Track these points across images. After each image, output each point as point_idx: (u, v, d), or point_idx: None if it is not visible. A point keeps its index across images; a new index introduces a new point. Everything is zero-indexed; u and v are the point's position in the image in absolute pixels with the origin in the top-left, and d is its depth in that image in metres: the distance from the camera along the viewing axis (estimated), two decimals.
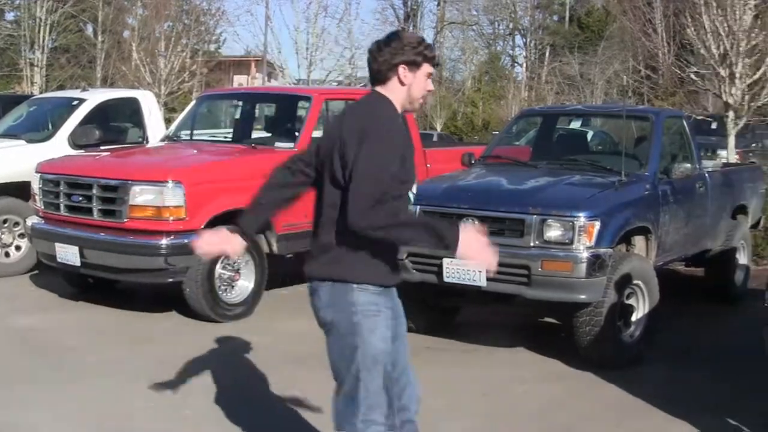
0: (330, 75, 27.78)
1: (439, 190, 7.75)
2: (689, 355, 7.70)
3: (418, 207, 7.19)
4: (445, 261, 7.13)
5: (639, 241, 7.73)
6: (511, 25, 63.20)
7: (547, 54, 57.05)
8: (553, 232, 6.91)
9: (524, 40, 62.29)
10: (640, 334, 7.39)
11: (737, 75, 15.71)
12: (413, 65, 3.73)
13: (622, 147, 8.47)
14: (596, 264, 6.82)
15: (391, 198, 3.50)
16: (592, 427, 5.88)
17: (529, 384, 6.77)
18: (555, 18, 69.88)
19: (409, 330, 7.82)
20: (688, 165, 8.38)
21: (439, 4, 55.64)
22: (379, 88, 3.77)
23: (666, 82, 34.20)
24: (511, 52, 64.10)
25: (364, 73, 14.07)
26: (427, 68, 3.78)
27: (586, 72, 41.12)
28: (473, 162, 8.86)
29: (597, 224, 6.89)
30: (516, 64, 62.34)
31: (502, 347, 7.76)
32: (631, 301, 7.34)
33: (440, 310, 8.24)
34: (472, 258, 3.68)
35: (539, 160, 8.82)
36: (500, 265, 6.85)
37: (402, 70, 3.72)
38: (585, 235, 6.83)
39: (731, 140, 16.59)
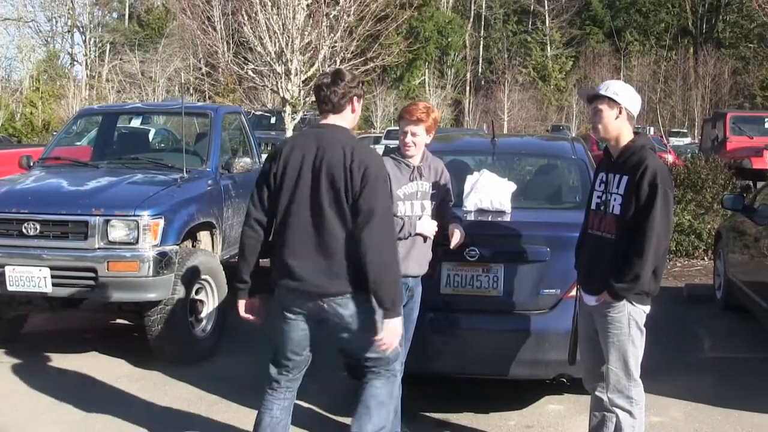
0: None
1: None
2: (261, 344, 7.95)
3: None
4: (7, 269, 6.76)
5: (204, 236, 7.86)
6: (69, 22, 60.94)
7: (108, 52, 55.80)
8: (118, 232, 6.81)
9: (83, 37, 60.41)
10: (212, 328, 7.52)
11: (293, 71, 16.52)
12: (360, 97, 4.52)
13: (183, 144, 8.54)
14: (163, 262, 6.84)
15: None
16: (165, 426, 5.89)
17: (103, 387, 6.61)
18: (115, 15, 68.52)
19: None
20: (248, 159, 8.62)
21: None
22: (333, 117, 4.43)
23: (226, 79, 35.08)
24: (70, 50, 61.84)
25: None
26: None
27: (148, 70, 40.87)
28: (32, 164, 8.46)
29: (161, 222, 6.90)
30: (76, 63, 60.23)
31: (73, 353, 7.49)
32: (201, 297, 7.45)
33: (6, 321, 7.76)
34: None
35: (100, 160, 8.64)
36: (66, 268, 6.72)
37: (355, 100, 4.48)
38: (150, 234, 6.81)
39: (289, 134, 17.43)
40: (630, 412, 4.58)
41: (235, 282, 4.68)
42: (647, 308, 4.56)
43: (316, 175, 4.28)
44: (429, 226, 5.13)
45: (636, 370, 4.58)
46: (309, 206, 4.30)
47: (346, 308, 4.36)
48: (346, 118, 4.47)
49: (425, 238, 5.14)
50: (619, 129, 4.57)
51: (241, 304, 4.73)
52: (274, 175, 4.38)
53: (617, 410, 4.60)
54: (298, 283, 4.39)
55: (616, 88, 4.60)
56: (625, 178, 4.47)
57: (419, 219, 5.11)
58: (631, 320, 4.50)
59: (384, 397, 4.59)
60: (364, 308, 4.35)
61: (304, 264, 4.36)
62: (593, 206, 4.73)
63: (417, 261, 5.12)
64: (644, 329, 4.58)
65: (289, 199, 4.34)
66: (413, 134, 5.09)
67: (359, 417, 4.55)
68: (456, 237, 5.18)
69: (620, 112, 4.54)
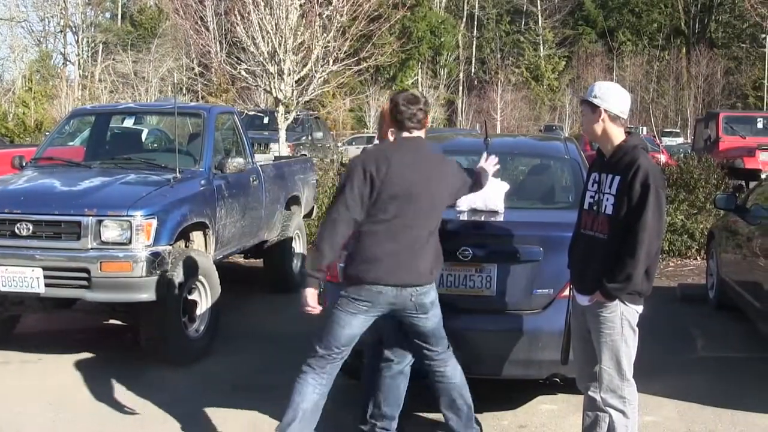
0: None
1: None
2: (254, 344, 7.97)
3: None
4: (0, 269, 6.75)
5: (197, 236, 7.85)
6: (62, 22, 60.85)
7: (100, 52, 55.73)
8: (111, 232, 6.80)
9: (76, 37, 60.31)
10: (205, 328, 7.51)
11: (286, 71, 16.50)
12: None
13: (176, 144, 8.52)
14: (156, 262, 6.82)
15: None
16: (158, 426, 5.88)
17: (96, 389, 6.60)
18: (107, 15, 68.39)
19: None
20: (241, 159, 8.60)
21: None
22: (417, 133, 4.92)
23: (219, 79, 35.06)
24: (62, 50, 61.74)
25: None
26: None
27: (140, 70, 40.83)
28: (25, 165, 8.45)
29: (154, 222, 6.89)
30: (68, 63, 60.12)
31: (66, 353, 7.48)
32: (194, 297, 7.43)
33: None
34: None
35: (93, 160, 8.61)
36: (59, 269, 6.71)
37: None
38: (143, 234, 6.80)
39: (282, 134, 17.42)
40: (623, 412, 4.58)
41: (311, 270, 4.79)
42: (640, 308, 4.57)
43: (425, 181, 4.78)
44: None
45: (629, 370, 4.58)
46: (422, 209, 4.78)
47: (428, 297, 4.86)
48: (423, 131, 4.98)
49: None
50: (603, 130, 4.59)
51: (313, 294, 4.82)
52: (381, 181, 4.68)
53: (610, 410, 4.60)
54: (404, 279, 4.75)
55: (598, 90, 4.63)
56: (617, 178, 4.48)
57: None
58: (623, 320, 4.50)
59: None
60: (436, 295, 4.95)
61: (415, 262, 4.77)
62: (586, 206, 4.74)
63: None
64: (637, 329, 4.58)
65: (402, 202, 4.71)
66: None
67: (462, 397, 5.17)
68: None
69: (600, 114, 4.56)
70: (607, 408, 4.61)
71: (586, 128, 4.73)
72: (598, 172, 4.68)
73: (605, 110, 4.56)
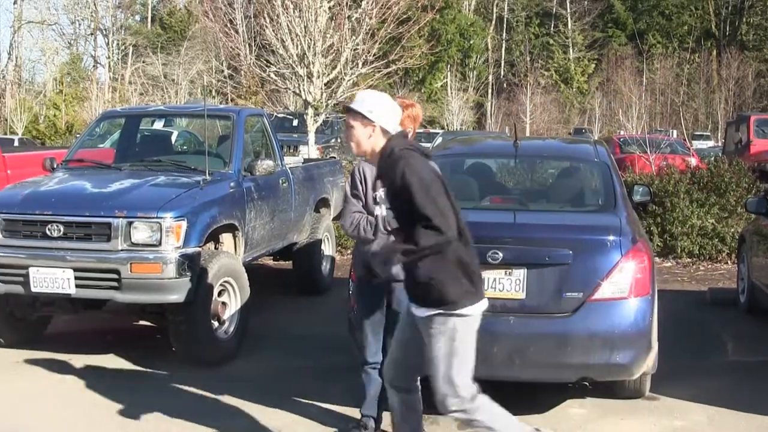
0: None
1: (19, 197, 7.38)
2: (283, 346, 7.99)
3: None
4: (31, 270, 6.84)
5: (227, 238, 7.88)
6: (92, 25, 61.37)
7: (130, 54, 56.12)
8: (141, 234, 6.85)
9: (106, 40, 60.79)
10: (234, 329, 7.53)
11: (315, 74, 16.51)
12: None
13: (206, 146, 8.56)
14: (185, 264, 6.86)
15: None
16: (186, 427, 5.90)
17: (126, 389, 6.64)
18: (137, 18, 68.85)
19: None
20: (271, 162, 8.62)
21: (15, 2, 52.46)
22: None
23: (248, 82, 35.18)
24: (93, 52, 62.25)
25: None
26: None
27: (170, 72, 41.07)
28: (56, 166, 8.53)
29: (184, 224, 6.93)
30: (99, 65, 60.62)
31: (97, 354, 7.53)
32: (224, 298, 7.47)
33: (29, 322, 7.82)
34: None
35: (123, 162, 8.67)
36: (89, 270, 6.77)
37: None
38: (172, 236, 6.84)
39: (311, 136, 17.44)
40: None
41: None
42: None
43: None
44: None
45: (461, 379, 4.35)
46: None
47: None
48: None
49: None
50: (374, 145, 4.34)
51: None
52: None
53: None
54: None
55: (370, 104, 4.34)
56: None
57: None
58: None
59: None
60: None
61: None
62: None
63: None
64: None
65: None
66: None
67: None
68: None
69: (374, 131, 4.31)
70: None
71: (357, 141, 4.36)
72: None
73: (380, 126, 4.31)
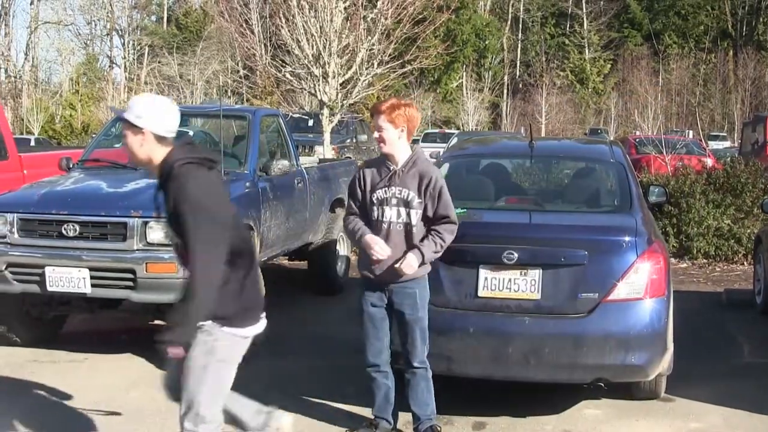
0: None
1: (36, 197, 7.41)
2: (296, 345, 7.99)
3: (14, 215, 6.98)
4: (48, 269, 6.86)
5: None
6: (108, 26, 61.63)
7: (146, 54, 56.30)
8: (156, 233, 6.85)
9: (122, 40, 61.01)
10: None
11: (330, 74, 16.51)
12: None
13: (221, 146, 8.58)
14: None
15: None
16: None
17: (141, 389, 6.66)
18: (153, 18, 69.09)
19: (13, 343, 7.49)
20: (286, 162, 8.64)
21: (32, 3, 52.73)
22: None
23: (264, 82, 35.28)
24: (109, 53, 62.51)
25: None
26: None
27: (186, 72, 41.19)
28: (72, 166, 8.56)
29: None
30: (114, 65, 60.88)
31: (113, 354, 7.56)
32: None
33: (45, 321, 7.86)
34: None
35: None
36: (105, 269, 6.79)
37: None
38: None
39: (327, 136, 17.43)
40: None
41: None
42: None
43: None
44: (378, 249, 5.15)
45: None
46: None
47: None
48: None
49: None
50: (149, 153, 4.01)
51: None
52: None
53: None
54: None
55: (138, 109, 3.99)
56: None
57: (399, 226, 5.18)
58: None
59: None
60: None
61: None
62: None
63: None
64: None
65: None
66: (379, 129, 5.19)
67: None
68: (403, 268, 5.13)
69: (144, 138, 3.96)
70: None
71: (130, 151, 4.04)
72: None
73: (150, 132, 3.96)
